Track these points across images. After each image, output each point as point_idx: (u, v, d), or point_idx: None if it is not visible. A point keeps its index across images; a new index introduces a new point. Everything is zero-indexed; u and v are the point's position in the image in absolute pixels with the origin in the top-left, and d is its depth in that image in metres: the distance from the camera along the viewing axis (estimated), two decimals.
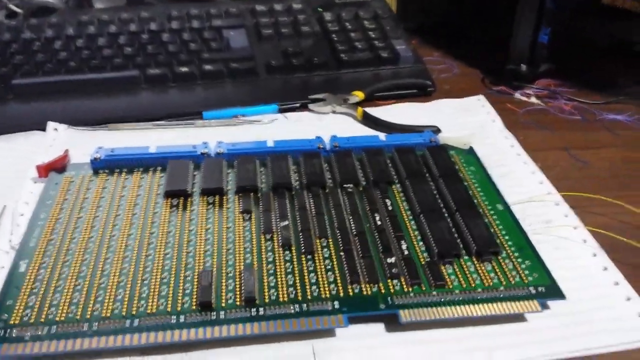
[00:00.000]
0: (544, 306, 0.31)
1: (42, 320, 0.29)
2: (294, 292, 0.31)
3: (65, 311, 0.30)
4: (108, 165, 0.40)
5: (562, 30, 0.54)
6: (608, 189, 0.41)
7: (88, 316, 0.29)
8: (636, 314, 0.32)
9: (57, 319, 0.29)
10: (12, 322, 0.29)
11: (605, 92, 0.54)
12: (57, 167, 0.40)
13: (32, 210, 0.37)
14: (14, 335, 0.28)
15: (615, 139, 0.48)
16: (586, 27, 0.57)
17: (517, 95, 0.53)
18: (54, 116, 0.46)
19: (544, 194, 0.40)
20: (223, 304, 0.30)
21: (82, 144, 0.43)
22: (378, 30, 0.58)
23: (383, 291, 0.31)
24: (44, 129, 0.46)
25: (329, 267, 0.33)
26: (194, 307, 0.30)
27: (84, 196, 0.38)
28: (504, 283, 0.32)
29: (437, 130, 0.46)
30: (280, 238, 0.34)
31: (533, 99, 0.52)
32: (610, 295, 0.33)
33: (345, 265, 0.33)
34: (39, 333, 0.28)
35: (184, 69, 0.51)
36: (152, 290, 0.31)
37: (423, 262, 0.33)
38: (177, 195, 0.38)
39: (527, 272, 0.33)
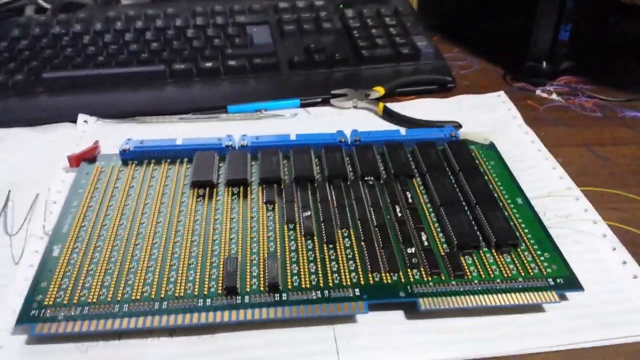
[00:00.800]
0: (562, 297, 0.32)
1: (75, 301, 0.30)
2: (315, 279, 0.32)
3: (96, 293, 0.31)
4: (137, 156, 0.41)
5: (583, 28, 0.54)
6: (628, 185, 0.41)
7: (119, 298, 0.31)
8: None
9: (89, 300, 0.30)
10: (46, 302, 0.30)
11: (626, 89, 0.54)
12: (87, 157, 0.41)
13: (64, 198, 0.38)
14: (48, 315, 0.30)
15: (635, 136, 0.48)
16: (607, 24, 0.57)
17: (538, 92, 0.53)
18: (83, 109, 0.48)
19: (564, 188, 0.40)
20: (247, 289, 0.31)
21: (111, 135, 0.45)
22: (399, 26, 0.58)
23: (403, 280, 0.32)
24: (74, 121, 0.47)
25: (350, 256, 0.33)
26: (219, 292, 0.31)
27: (114, 185, 0.39)
28: (523, 274, 0.33)
29: (457, 126, 0.46)
30: (302, 228, 0.35)
31: (554, 96, 0.53)
32: (628, 288, 0.33)
33: (366, 255, 0.33)
34: (72, 313, 0.30)
35: (209, 64, 0.53)
36: (180, 274, 0.32)
37: (443, 253, 0.34)
38: (203, 186, 0.39)
39: (545, 264, 0.33)
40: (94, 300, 0.30)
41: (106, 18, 0.58)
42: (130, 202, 0.37)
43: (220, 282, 0.31)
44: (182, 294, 0.31)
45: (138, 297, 0.31)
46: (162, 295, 0.31)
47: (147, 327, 0.29)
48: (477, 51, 0.61)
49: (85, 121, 0.47)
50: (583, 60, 0.56)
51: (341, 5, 0.62)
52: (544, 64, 0.55)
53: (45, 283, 0.31)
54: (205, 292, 0.31)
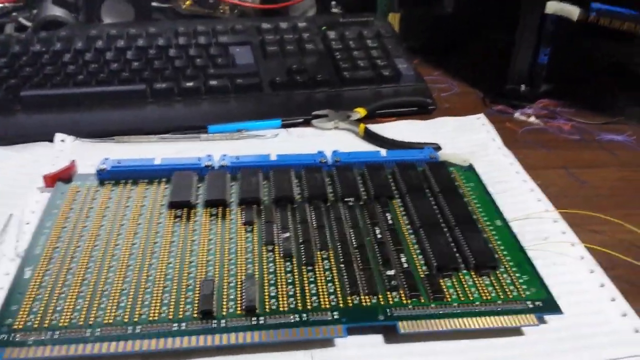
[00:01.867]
0: (541, 320, 0.32)
1: (46, 325, 0.30)
2: (294, 302, 0.31)
3: (68, 317, 0.30)
4: (114, 176, 0.41)
5: (561, 51, 0.55)
6: (606, 207, 0.42)
7: (91, 322, 0.30)
8: (632, 329, 0.32)
9: (60, 324, 0.30)
10: (15, 326, 0.29)
11: (604, 112, 0.54)
12: (63, 177, 0.41)
13: (38, 218, 0.37)
14: (17, 339, 0.29)
15: (613, 158, 0.49)
16: (586, 48, 0.58)
17: (517, 114, 0.54)
18: (61, 128, 0.47)
19: (542, 211, 0.41)
20: (224, 313, 0.31)
21: (88, 155, 0.44)
22: (380, 49, 0.59)
23: (382, 303, 0.32)
24: (51, 140, 0.46)
25: (329, 278, 0.33)
26: (195, 315, 0.30)
27: (90, 206, 0.38)
28: (502, 297, 0.32)
29: (437, 148, 0.47)
30: (281, 249, 0.35)
31: (532, 119, 0.53)
32: (606, 310, 0.33)
33: (345, 277, 0.33)
34: (42, 338, 0.29)
35: (190, 84, 0.52)
36: (154, 298, 0.31)
37: (422, 275, 0.34)
38: (181, 206, 0.38)
39: (524, 286, 0.33)
40: (66, 324, 0.30)
41: (87, 37, 0.58)
42: (106, 223, 0.37)
43: (196, 305, 0.31)
44: (156, 318, 0.30)
45: (111, 321, 0.30)
46: (136, 319, 0.30)
47: (119, 352, 0.28)
48: (457, 74, 0.61)
49: (63, 140, 0.46)
50: (561, 84, 0.57)
51: (324, 27, 0.63)
52: (523, 87, 0.55)
53: (15, 306, 0.31)
54: (180, 316, 0.30)
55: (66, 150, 0.46)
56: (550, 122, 0.53)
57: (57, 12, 0.63)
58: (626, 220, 0.39)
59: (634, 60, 0.58)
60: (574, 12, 0.50)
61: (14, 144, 0.46)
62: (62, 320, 0.30)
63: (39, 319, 0.30)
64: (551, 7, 0.51)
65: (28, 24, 0.65)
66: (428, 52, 0.65)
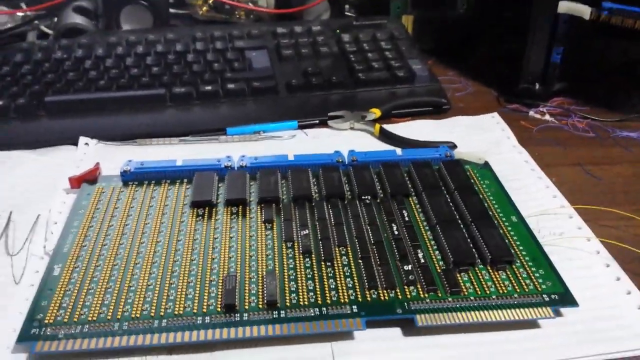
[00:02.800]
0: (557, 313, 0.32)
1: (75, 319, 0.31)
2: (313, 297, 0.32)
3: (96, 311, 0.31)
4: (137, 177, 0.42)
5: (575, 50, 0.56)
6: (621, 203, 0.42)
7: (118, 316, 0.31)
8: None
9: (89, 318, 0.31)
10: (46, 321, 0.31)
11: (619, 110, 0.55)
12: (88, 178, 0.42)
13: (65, 218, 0.38)
14: (48, 333, 0.30)
15: (628, 155, 0.49)
16: (599, 46, 0.58)
17: (531, 113, 0.54)
18: (84, 132, 0.49)
19: (557, 207, 0.41)
20: (246, 307, 0.31)
21: (111, 158, 0.45)
22: (394, 50, 0.60)
23: (400, 297, 0.32)
24: (75, 144, 0.48)
25: (348, 273, 0.34)
26: (218, 309, 0.31)
27: (115, 206, 0.39)
28: (518, 290, 0.33)
29: (453, 146, 0.47)
30: (300, 246, 0.36)
31: (547, 117, 0.54)
32: (622, 304, 0.34)
33: (364, 272, 0.34)
34: (72, 332, 0.30)
35: (208, 88, 0.53)
36: (179, 293, 0.32)
37: (439, 270, 0.34)
38: (202, 206, 0.39)
39: (540, 280, 0.34)
40: (94, 318, 0.31)
41: (107, 43, 0.59)
42: (131, 222, 0.38)
43: (220, 299, 0.32)
44: (181, 312, 0.31)
45: (137, 315, 0.31)
46: (162, 313, 0.31)
47: (146, 345, 0.30)
48: (471, 74, 0.62)
49: (87, 143, 0.48)
50: (575, 82, 0.57)
51: (338, 30, 0.64)
52: (537, 85, 0.56)
53: (45, 302, 0.32)
54: (204, 310, 0.31)
55: (89, 153, 0.47)
56: (564, 120, 0.53)
57: (78, 19, 0.64)
58: None
59: None
60: (585, 11, 0.50)
61: (39, 147, 0.47)
62: (90, 315, 0.31)
63: (68, 313, 0.31)
64: (563, 7, 0.51)
65: (49, 31, 0.67)
66: (442, 53, 0.66)
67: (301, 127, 0.51)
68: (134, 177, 0.42)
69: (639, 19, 0.49)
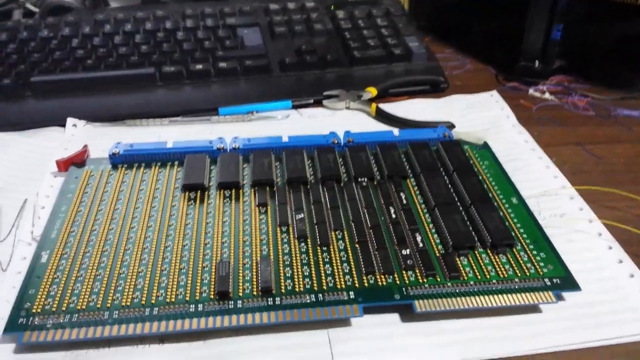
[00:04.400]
0: (559, 297, 0.32)
1: (64, 308, 0.30)
2: (309, 283, 0.31)
3: (86, 300, 0.30)
4: (127, 160, 0.41)
5: (575, 27, 0.54)
6: (623, 183, 0.41)
7: (108, 305, 0.30)
8: None
9: (78, 307, 0.30)
10: (34, 310, 0.30)
11: (619, 88, 0.54)
12: (76, 161, 0.41)
13: (53, 203, 0.37)
14: (36, 323, 0.29)
15: (629, 134, 0.48)
16: (598, 24, 0.57)
17: (531, 91, 0.53)
18: (72, 112, 0.47)
19: (558, 187, 0.40)
20: (240, 294, 0.31)
21: (100, 139, 0.44)
22: (390, 27, 0.58)
23: (398, 282, 0.32)
24: (62, 125, 0.46)
25: (344, 258, 0.33)
26: (212, 297, 0.30)
27: (104, 189, 0.38)
28: (519, 274, 0.32)
29: (451, 126, 0.46)
30: (295, 230, 0.35)
31: (547, 95, 0.53)
32: (625, 286, 0.33)
33: (361, 257, 0.33)
34: (60, 321, 0.29)
35: (199, 67, 0.52)
36: (171, 279, 0.31)
37: (438, 254, 0.33)
38: (194, 189, 0.38)
39: (542, 264, 0.33)
40: (83, 307, 0.30)
41: (95, 21, 0.58)
42: (120, 207, 0.37)
43: (213, 286, 0.31)
44: (173, 300, 0.30)
45: (128, 304, 0.30)
46: (153, 301, 0.30)
47: (137, 334, 0.29)
48: (469, 51, 0.61)
49: (74, 125, 0.46)
50: (575, 60, 0.56)
51: (332, 7, 0.62)
52: (537, 63, 0.55)
53: (33, 290, 0.31)
54: (197, 298, 0.30)
55: (78, 134, 0.46)
56: (564, 98, 0.52)
57: None
58: None
59: None
60: None
61: (25, 129, 0.46)
62: (80, 304, 0.30)
63: (57, 302, 0.30)
64: None
65: (35, 9, 0.65)
66: (439, 30, 0.65)
67: (295, 107, 0.50)
68: (123, 160, 0.41)
69: None
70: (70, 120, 0.46)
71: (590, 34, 0.58)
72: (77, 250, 0.33)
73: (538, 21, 0.53)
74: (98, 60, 0.52)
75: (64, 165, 0.40)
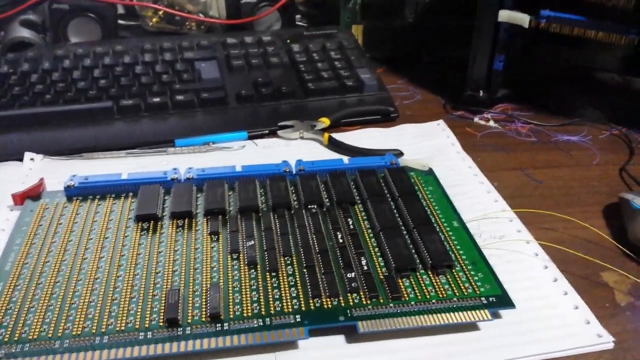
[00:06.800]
0: (495, 315, 0.33)
1: (16, 338, 0.30)
2: (257, 308, 0.32)
3: (37, 330, 0.31)
4: (81, 192, 0.42)
5: (517, 57, 0.57)
6: (560, 205, 0.43)
7: (60, 334, 0.31)
8: (583, 321, 0.34)
9: (30, 337, 0.30)
10: None
11: (561, 114, 0.56)
12: (32, 195, 0.41)
13: (8, 236, 0.38)
14: None
15: (568, 158, 0.50)
16: (542, 53, 0.60)
17: (476, 119, 0.56)
18: (30, 147, 0.48)
19: (498, 211, 0.42)
20: (189, 320, 0.32)
21: (57, 173, 0.45)
22: (344, 60, 0.61)
23: (343, 304, 0.33)
24: (20, 160, 0.47)
25: (292, 283, 0.34)
26: (161, 324, 0.31)
27: (58, 222, 0.39)
28: (457, 294, 0.34)
29: (399, 154, 0.48)
30: (246, 257, 0.36)
31: (491, 123, 0.55)
32: (559, 304, 0.35)
33: (308, 281, 0.34)
34: (12, 350, 0.30)
35: (157, 99, 0.53)
36: (121, 308, 0.32)
37: (381, 277, 0.35)
38: (147, 219, 0.39)
39: (479, 283, 0.35)
40: (35, 336, 0.30)
41: (54, 56, 0.59)
42: (74, 238, 0.37)
43: (162, 314, 0.32)
44: (123, 328, 0.31)
45: (79, 332, 0.31)
46: (104, 330, 0.31)
47: None
48: (420, 82, 0.63)
49: (32, 159, 0.47)
50: (518, 88, 0.59)
51: (288, 40, 0.64)
52: (481, 92, 0.57)
53: None
54: (147, 325, 0.31)
55: (35, 168, 0.46)
56: (508, 125, 0.55)
57: (25, 33, 0.64)
58: (579, 217, 0.41)
59: (587, 63, 0.60)
60: (524, 19, 0.52)
61: None
62: (32, 333, 0.31)
63: (9, 332, 0.31)
64: (503, 16, 0.53)
65: None
66: (391, 62, 0.67)
67: (251, 138, 0.52)
68: (78, 192, 0.41)
69: (576, 26, 0.51)
70: (27, 155, 0.47)
71: (533, 64, 0.61)
72: (30, 282, 0.34)
73: (481, 52, 0.56)
74: (57, 95, 0.53)
75: (20, 198, 0.41)
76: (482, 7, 0.54)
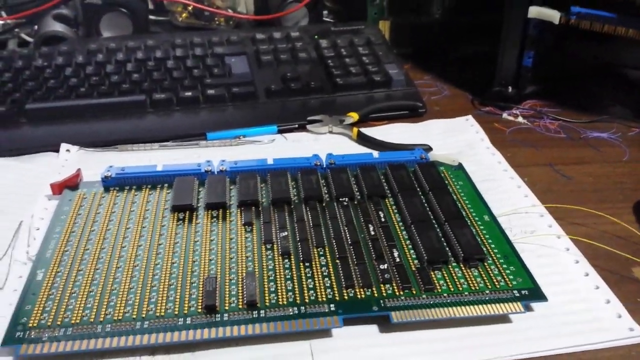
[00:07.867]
0: (527, 308, 0.34)
1: (59, 322, 0.31)
2: (292, 296, 0.33)
3: (79, 314, 0.32)
4: (118, 182, 0.42)
5: (547, 53, 0.57)
6: (590, 201, 0.43)
7: (101, 319, 0.32)
8: (615, 315, 0.34)
9: (72, 321, 0.31)
10: (30, 324, 0.31)
11: (590, 111, 0.56)
12: (70, 184, 0.42)
13: (47, 224, 0.39)
14: (32, 336, 0.30)
15: (598, 155, 0.50)
16: (571, 49, 0.60)
17: (505, 115, 0.56)
18: (65, 138, 0.49)
19: (529, 206, 0.42)
20: (226, 307, 0.32)
21: (93, 164, 0.46)
22: (371, 55, 0.61)
23: (376, 295, 0.33)
24: (56, 151, 0.48)
25: (326, 273, 0.35)
26: (199, 310, 0.32)
27: (96, 211, 0.40)
28: (490, 287, 0.34)
29: (428, 149, 0.48)
30: (279, 247, 0.37)
31: (520, 119, 0.55)
32: (591, 298, 0.35)
33: (341, 272, 0.35)
34: (56, 334, 0.31)
35: (188, 94, 0.54)
36: (160, 295, 0.33)
37: (413, 269, 0.35)
38: (183, 210, 0.40)
39: (511, 276, 0.35)
40: (77, 321, 0.31)
41: (87, 50, 0.60)
42: (112, 227, 0.38)
43: (200, 300, 0.33)
44: (162, 314, 0.32)
45: (120, 317, 0.32)
46: (144, 315, 0.32)
47: (129, 346, 0.30)
48: (447, 78, 0.63)
49: (68, 150, 0.48)
50: (547, 85, 0.59)
51: (316, 36, 0.65)
52: (510, 88, 0.57)
53: (29, 306, 0.32)
54: (186, 311, 0.32)
55: (71, 159, 0.47)
56: (536, 121, 0.55)
57: (58, 27, 0.65)
58: (609, 213, 0.41)
59: (617, 60, 0.60)
60: (555, 16, 0.52)
61: (21, 155, 0.48)
62: (74, 318, 0.32)
63: (52, 317, 0.32)
64: (533, 12, 0.53)
65: (30, 39, 0.67)
66: (418, 58, 0.67)
67: (281, 132, 0.52)
68: (115, 183, 0.42)
69: (607, 23, 0.51)
70: (64, 146, 0.48)
71: (562, 60, 0.61)
72: (71, 269, 0.35)
73: (510, 49, 0.56)
74: (91, 88, 0.54)
75: (58, 188, 0.42)
76: (512, 3, 0.54)
